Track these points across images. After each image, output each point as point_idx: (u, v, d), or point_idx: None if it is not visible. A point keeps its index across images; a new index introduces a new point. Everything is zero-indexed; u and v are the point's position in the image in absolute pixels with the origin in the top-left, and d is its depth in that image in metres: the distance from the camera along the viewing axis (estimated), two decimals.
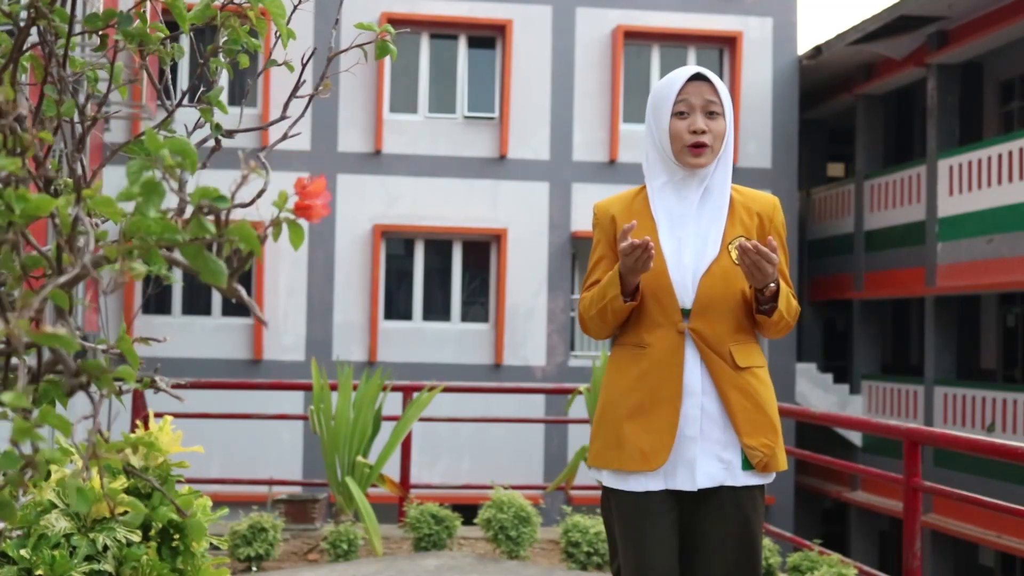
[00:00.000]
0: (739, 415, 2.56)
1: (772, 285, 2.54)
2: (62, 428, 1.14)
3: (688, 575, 2.60)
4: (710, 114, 2.60)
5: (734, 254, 2.58)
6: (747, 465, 2.58)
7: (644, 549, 2.57)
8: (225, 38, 1.89)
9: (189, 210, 1.14)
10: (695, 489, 2.56)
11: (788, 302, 2.60)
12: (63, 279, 1.07)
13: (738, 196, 2.69)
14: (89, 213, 1.19)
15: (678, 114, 2.61)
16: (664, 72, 15.05)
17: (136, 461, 2.78)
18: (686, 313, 2.59)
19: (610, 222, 2.70)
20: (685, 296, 2.59)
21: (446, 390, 6.24)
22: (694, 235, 2.62)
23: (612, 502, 2.65)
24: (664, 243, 2.61)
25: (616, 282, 2.56)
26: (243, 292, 1.19)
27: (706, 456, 2.56)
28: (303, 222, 1.22)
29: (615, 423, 2.60)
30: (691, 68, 2.66)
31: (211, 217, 1.14)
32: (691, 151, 2.59)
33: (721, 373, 2.57)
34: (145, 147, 1.19)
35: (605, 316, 2.62)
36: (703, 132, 2.58)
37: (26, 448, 1.06)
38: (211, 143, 1.89)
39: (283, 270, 15.07)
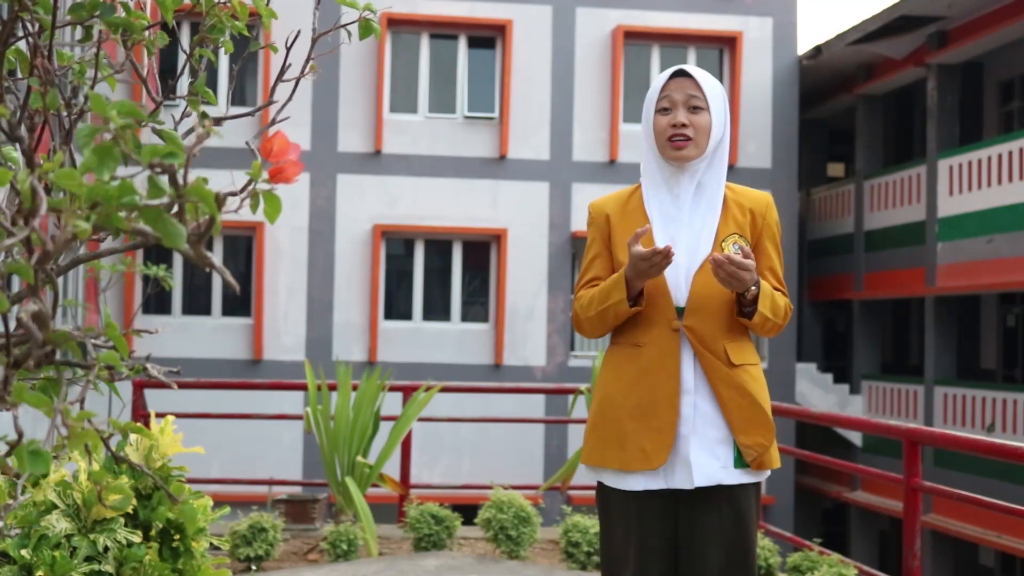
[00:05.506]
0: (734, 412, 2.57)
1: (753, 288, 2.55)
2: (38, 405, 1.13)
3: (683, 572, 2.60)
4: (693, 108, 2.63)
5: (727, 250, 2.59)
6: (740, 463, 2.58)
7: (645, 547, 2.58)
8: (210, 23, 1.88)
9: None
10: (693, 487, 2.56)
11: (773, 304, 2.60)
12: (10, 241, 1.06)
13: (731, 194, 2.70)
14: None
15: (662, 110, 2.66)
16: None
17: (133, 455, 2.77)
18: (680, 311, 2.59)
19: (605, 221, 2.72)
20: (679, 294, 2.60)
21: (446, 390, 6.24)
22: (687, 233, 2.63)
23: (610, 501, 2.65)
24: (658, 241, 2.62)
25: (622, 286, 2.56)
26: (213, 258, 1.15)
27: (701, 454, 2.56)
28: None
29: (616, 422, 2.61)
30: (678, 66, 2.70)
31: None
32: (672, 144, 2.62)
33: (715, 371, 2.57)
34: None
35: (605, 318, 2.63)
36: (683, 126, 2.61)
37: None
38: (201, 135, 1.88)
39: (283, 270, 15.06)
